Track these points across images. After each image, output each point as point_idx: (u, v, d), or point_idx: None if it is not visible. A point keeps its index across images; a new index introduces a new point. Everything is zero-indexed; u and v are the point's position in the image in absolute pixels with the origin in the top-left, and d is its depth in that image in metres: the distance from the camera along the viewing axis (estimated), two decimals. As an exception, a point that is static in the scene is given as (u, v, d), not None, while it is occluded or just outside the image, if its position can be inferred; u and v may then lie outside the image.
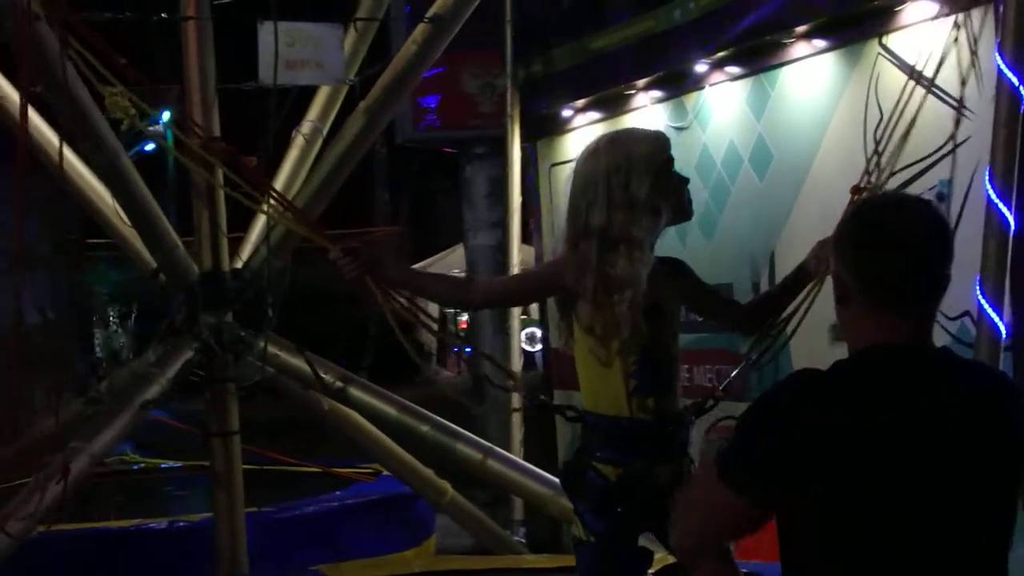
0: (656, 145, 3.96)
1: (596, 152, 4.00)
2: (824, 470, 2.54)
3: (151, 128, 13.70)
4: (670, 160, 3.98)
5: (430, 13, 7.09)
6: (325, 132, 7.64)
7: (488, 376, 4.41)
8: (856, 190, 4.91)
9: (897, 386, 2.61)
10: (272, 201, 6.05)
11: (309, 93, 7.68)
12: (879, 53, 7.04)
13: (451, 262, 18.84)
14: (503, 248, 10.15)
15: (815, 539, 2.58)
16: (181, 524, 7.83)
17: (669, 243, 8.50)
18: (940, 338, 6.66)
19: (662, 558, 4.16)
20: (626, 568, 3.90)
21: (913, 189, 6.86)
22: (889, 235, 2.64)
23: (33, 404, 14.65)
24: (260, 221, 7.34)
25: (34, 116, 7.48)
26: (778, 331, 4.47)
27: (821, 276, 4.30)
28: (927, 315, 2.71)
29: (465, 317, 16.28)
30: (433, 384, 17.56)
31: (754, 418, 2.65)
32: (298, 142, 7.65)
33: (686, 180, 4.02)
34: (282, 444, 10.63)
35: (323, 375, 7.23)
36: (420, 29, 7.14)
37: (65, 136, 7.03)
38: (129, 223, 7.22)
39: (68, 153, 7.51)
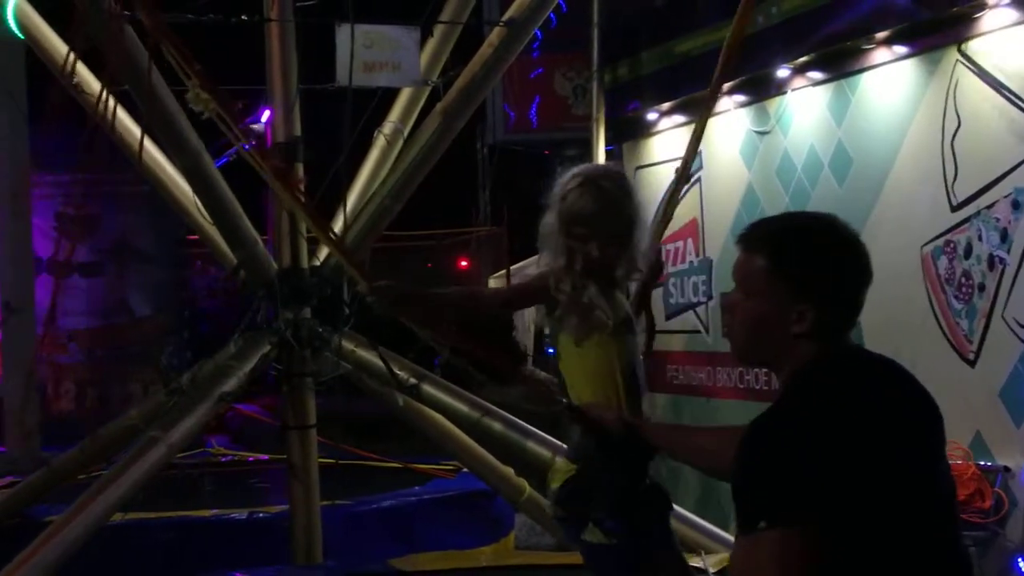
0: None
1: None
2: (850, 481, 2.54)
3: (253, 125, 13.98)
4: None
5: (506, 16, 7.18)
6: (406, 133, 7.74)
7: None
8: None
9: (869, 383, 2.69)
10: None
11: (392, 94, 7.80)
12: (957, 60, 7.01)
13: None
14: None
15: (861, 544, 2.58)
16: (260, 515, 8.00)
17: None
18: (1014, 345, 6.64)
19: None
20: (656, 559, 3.94)
21: (988, 197, 6.82)
22: (856, 263, 2.71)
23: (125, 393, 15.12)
24: (339, 220, 7.48)
25: (123, 116, 7.74)
26: None
27: None
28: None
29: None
30: (528, 385, 17.64)
31: (777, 459, 2.56)
32: (379, 142, 7.78)
33: None
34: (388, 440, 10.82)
35: (398, 372, 7.34)
36: (496, 32, 7.23)
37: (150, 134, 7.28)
38: (211, 220, 7.40)
39: (155, 152, 7.74)
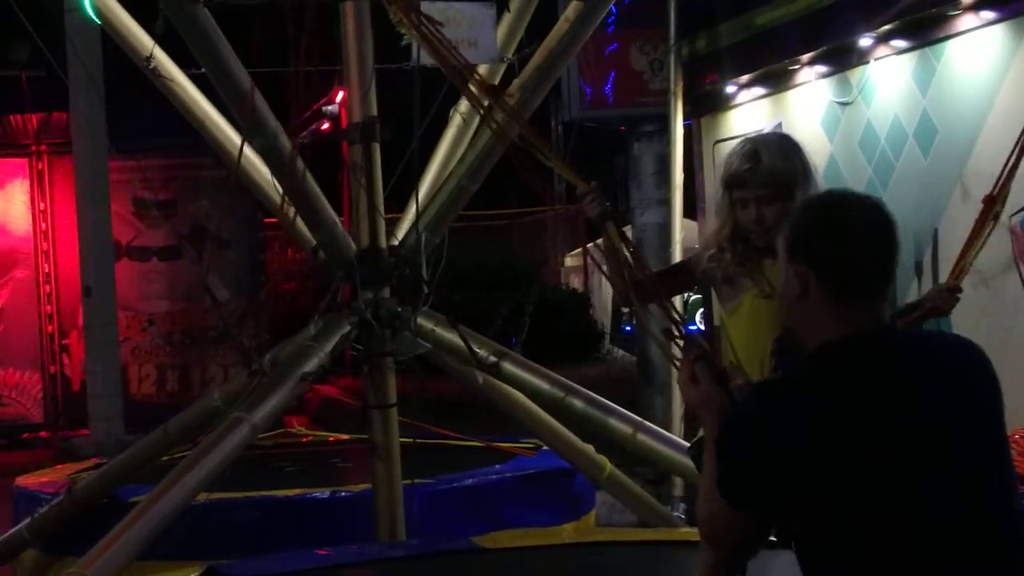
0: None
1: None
2: (820, 467, 2.63)
3: (326, 108, 14.01)
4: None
5: (584, -11, 7.10)
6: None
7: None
8: (989, 200, 4.73)
9: (869, 371, 2.71)
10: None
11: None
12: (1049, 24, 6.86)
13: (625, 241, 18.71)
14: (668, 226, 10.14)
15: (830, 532, 2.66)
16: (343, 494, 8.01)
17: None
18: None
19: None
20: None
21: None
22: (851, 230, 2.77)
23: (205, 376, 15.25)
24: (414, 200, 7.46)
25: (201, 100, 7.77)
26: None
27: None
28: (882, 304, 2.82)
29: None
30: (605, 363, 17.69)
31: (728, 440, 2.80)
32: (455, 121, 7.75)
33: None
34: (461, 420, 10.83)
35: (477, 350, 7.32)
36: (572, 7, 7.16)
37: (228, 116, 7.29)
38: (289, 203, 7.39)
39: (233, 135, 7.75)
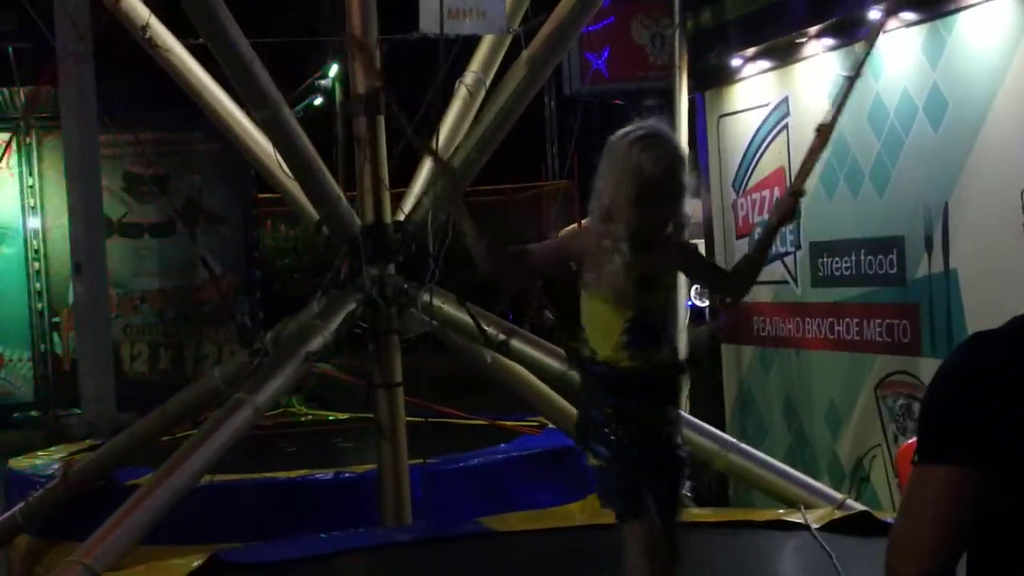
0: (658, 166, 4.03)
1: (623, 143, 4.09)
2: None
3: (320, 82, 13.85)
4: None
5: (594, -40, 6.97)
6: (488, 83, 7.56)
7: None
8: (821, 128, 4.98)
9: None
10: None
11: (473, 43, 7.62)
12: (1063, -5, 6.74)
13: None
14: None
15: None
16: (347, 475, 7.89)
17: (841, 196, 8.33)
18: None
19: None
20: (628, 485, 4.21)
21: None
22: None
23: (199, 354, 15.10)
24: (423, 174, 7.32)
25: (199, 70, 7.61)
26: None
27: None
28: None
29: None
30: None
31: (939, 392, 2.53)
32: (461, 93, 7.61)
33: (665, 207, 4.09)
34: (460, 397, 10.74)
35: (486, 328, 7.19)
36: (584, -22, 7.03)
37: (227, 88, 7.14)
38: (292, 176, 7.25)
39: (233, 107, 7.60)
